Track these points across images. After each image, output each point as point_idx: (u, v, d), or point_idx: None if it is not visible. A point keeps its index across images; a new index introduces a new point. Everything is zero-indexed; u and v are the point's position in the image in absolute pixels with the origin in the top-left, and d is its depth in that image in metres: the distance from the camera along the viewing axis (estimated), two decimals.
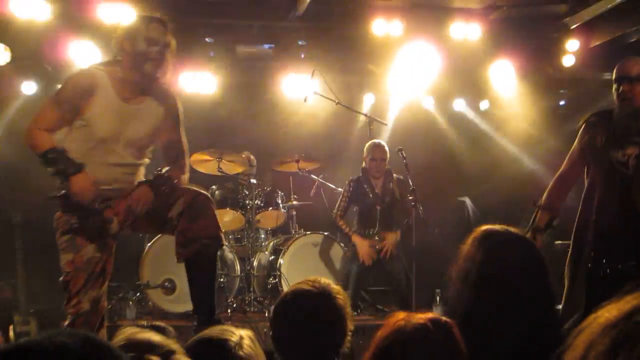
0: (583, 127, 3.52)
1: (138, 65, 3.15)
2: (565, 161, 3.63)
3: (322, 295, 1.96)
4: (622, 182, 3.29)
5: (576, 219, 3.55)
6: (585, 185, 3.55)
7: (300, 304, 1.96)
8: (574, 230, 3.57)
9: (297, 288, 2.02)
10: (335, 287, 2.02)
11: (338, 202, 5.71)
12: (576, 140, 3.56)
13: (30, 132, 3.17)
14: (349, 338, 1.98)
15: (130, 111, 3.24)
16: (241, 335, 1.61)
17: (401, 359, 1.50)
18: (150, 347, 1.22)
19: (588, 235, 3.43)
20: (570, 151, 3.61)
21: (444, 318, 1.57)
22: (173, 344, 1.28)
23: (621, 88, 3.32)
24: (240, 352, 1.55)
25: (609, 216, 3.33)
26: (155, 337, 1.26)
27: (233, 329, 1.67)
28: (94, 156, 3.19)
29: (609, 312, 0.58)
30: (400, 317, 1.58)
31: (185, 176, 3.42)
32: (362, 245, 5.46)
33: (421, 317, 1.56)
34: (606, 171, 3.36)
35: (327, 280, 2.04)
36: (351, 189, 5.57)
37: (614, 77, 3.40)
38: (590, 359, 0.56)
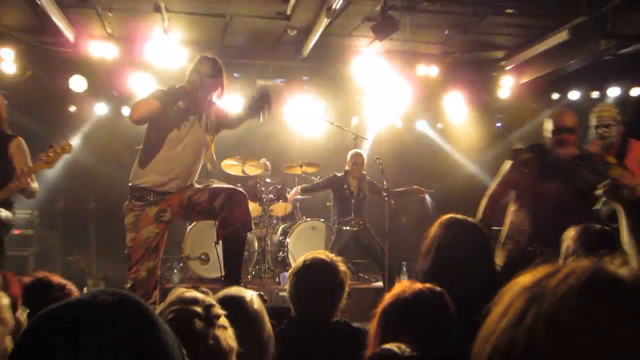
0: (511, 164, 3.16)
1: (191, 89, 3.14)
2: (496, 184, 3.27)
3: (331, 264, 1.93)
4: (553, 206, 3.01)
5: (507, 228, 3.24)
6: (513, 201, 3.26)
7: (315, 269, 1.92)
8: (504, 236, 3.23)
9: (314, 257, 1.95)
10: (339, 259, 1.98)
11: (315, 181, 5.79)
12: (506, 170, 3.22)
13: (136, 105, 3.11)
14: (345, 297, 1.96)
15: (194, 120, 3.21)
16: (252, 294, 1.59)
17: (404, 317, 1.49)
18: (195, 301, 1.22)
19: (521, 241, 3.10)
20: (501, 178, 3.25)
21: (438, 288, 1.55)
22: (213, 300, 1.28)
23: (557, 137, 3.07)
24: (253, 306, 1.54)
25: (545, 232, 2.96)
26: (199, 295, 1.26)
27: (244, 289, 1.62)
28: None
29: (524, 279, 0.60)
30: (404, 285, 1.56)
31: None
32: (292, 191, 5.76)
33: (420, 285, 1.54)
34: (538, 198, 3.08)
35: (330, 254, 2.00)
36: (329, 179, 5.50)
37: (551, 126, 3.11)
38: (510, 314, 0.58)
